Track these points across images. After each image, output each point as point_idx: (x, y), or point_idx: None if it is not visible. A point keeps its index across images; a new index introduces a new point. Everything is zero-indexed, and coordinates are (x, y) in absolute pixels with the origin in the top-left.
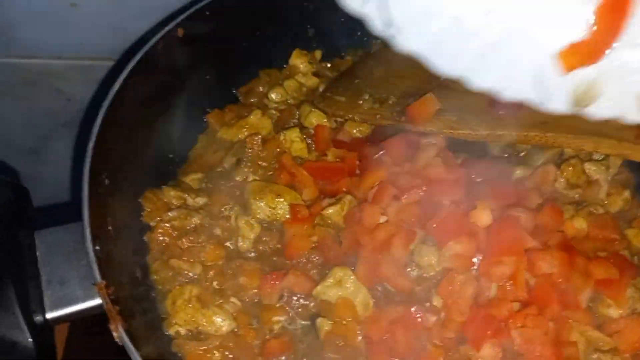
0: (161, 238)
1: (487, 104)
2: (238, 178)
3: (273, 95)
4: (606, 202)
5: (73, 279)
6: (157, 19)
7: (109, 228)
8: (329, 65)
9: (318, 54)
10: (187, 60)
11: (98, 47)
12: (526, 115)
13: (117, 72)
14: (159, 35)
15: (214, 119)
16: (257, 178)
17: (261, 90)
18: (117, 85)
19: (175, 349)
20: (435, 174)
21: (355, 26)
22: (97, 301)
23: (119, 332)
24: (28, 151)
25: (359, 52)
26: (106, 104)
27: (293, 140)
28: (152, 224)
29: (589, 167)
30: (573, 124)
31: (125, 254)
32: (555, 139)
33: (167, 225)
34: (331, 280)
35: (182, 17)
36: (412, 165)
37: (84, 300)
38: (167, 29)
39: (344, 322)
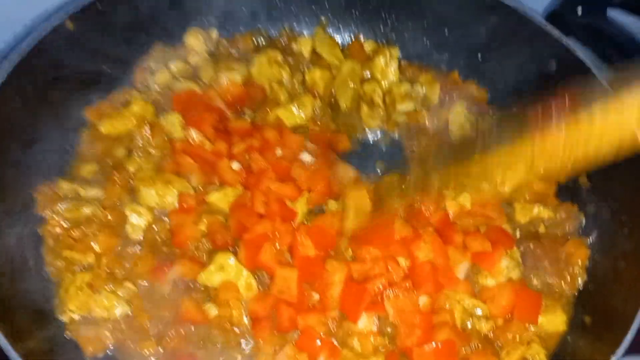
0: (54, 229)
1: None
2: (131, 169)
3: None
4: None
5: None
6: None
7: None
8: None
9: (213, 33)
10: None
11: None
12: None
13: None
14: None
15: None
16: (149, 167)
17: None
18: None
19: (69, 334)
20: None
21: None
22: None
23: None
24: None
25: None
26: None
27: (174, 124)
28: (45, 216)
29: None
30: None
31: (17, 246)
32: None
33: (59, 216)
34: (213, 267)
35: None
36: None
37: None
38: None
39: (230, 304)
